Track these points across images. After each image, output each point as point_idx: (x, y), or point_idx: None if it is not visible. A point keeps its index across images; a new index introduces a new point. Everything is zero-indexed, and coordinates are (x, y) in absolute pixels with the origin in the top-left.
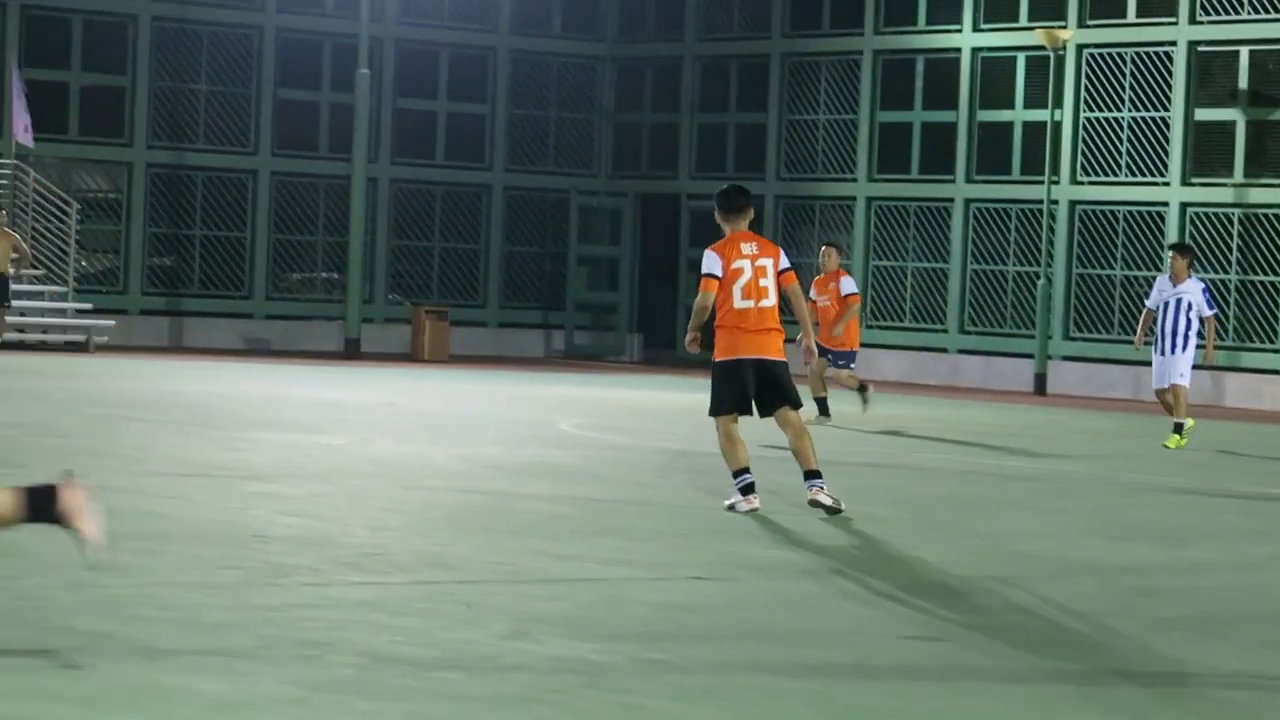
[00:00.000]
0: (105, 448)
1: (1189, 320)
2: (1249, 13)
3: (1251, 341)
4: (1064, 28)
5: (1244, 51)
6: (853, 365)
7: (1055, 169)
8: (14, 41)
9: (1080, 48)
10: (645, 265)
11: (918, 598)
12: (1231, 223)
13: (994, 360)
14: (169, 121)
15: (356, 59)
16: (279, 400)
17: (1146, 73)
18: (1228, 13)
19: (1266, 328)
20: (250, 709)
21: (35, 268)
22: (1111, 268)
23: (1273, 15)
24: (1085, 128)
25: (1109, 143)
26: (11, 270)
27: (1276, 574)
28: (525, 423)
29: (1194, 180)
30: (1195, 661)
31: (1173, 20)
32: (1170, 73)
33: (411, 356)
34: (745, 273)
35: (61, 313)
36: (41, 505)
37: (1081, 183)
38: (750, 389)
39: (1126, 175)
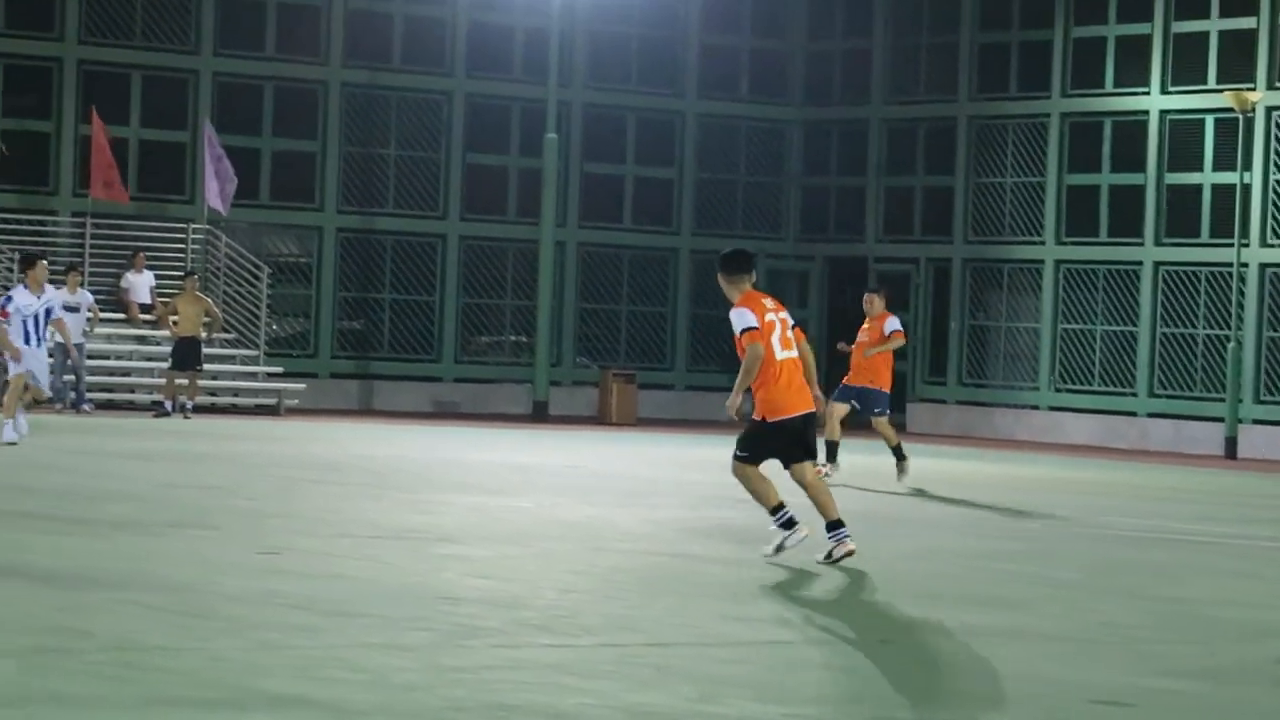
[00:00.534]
0: (296, 510)
1: None
2: None
3: None
4: (1253, 90)
5: None
6: (888, 412)
7: (1245, 232)
8: (207, 109)
9: (1269, 110)
10: (832, 327)
11: (1105, 661)
12: None
13: (1184, 424)
14: (359, 186)
15: (544, 123)
16: (467, 463)
17: None
18: None
19: None
20: None
21: (226, 331)
22: None
23: None
24: (1275, 190)
25: None
26: (203, 334)
27: None
28: (713, 485)
29: None
30: None
31: None
32: None
33: (599, 419)
34: (776, 326)
35: (252, 376)
36: None
37: (1272, 245)
38: (786, 442)
39: None
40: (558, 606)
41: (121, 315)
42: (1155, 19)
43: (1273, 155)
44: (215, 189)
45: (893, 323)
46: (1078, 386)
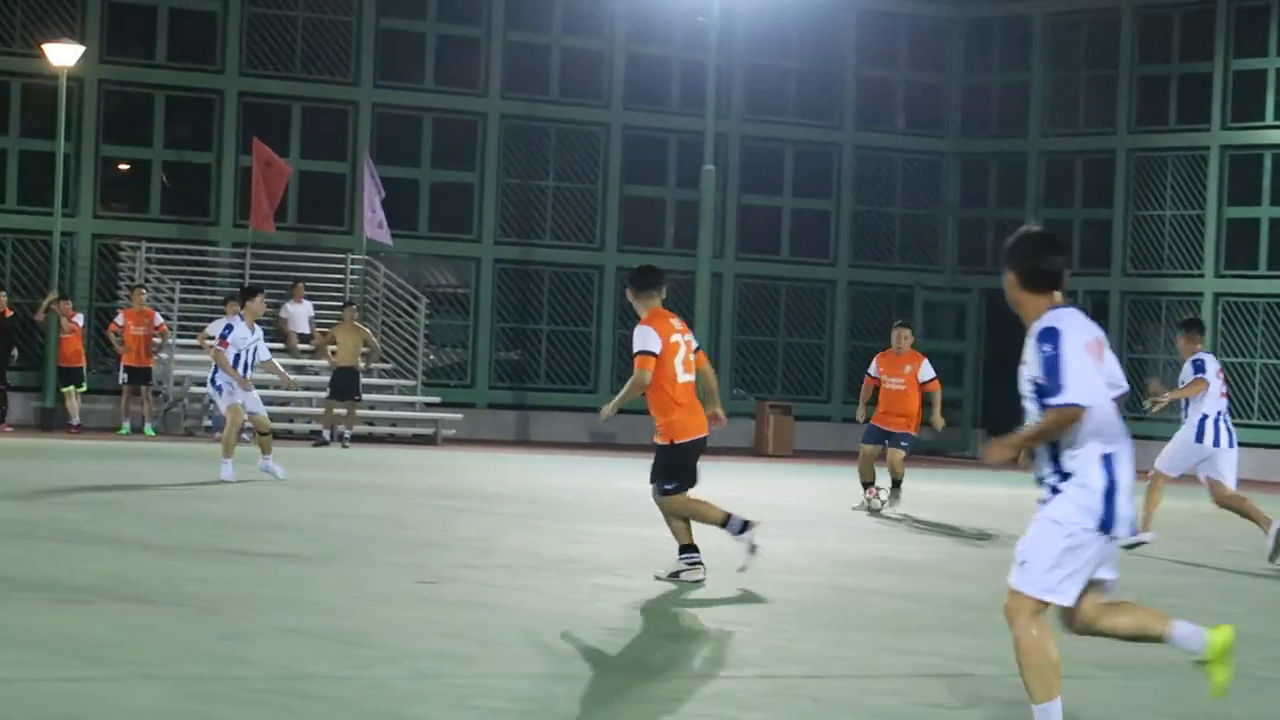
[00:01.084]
0: (452, 540)
1: None
2: None
3: None
4: None
5: None
6: (905, 445)
7: None
8: (366, 140)
9: None
10: (990, 360)
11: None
12: None
13: None
14: (517, 217)
15: (702, 155)
16: (624, 494)
17: None
18: None
19: None
20: None
21: (385, 361)
22: None
23: None
24: None
25: None
26: (361, 364)
27: None
28: (871, 517)
29: None
30: None
31: None
32: None
33: (755, 451)
34: (681, 349)
35: (410, 406)
36: None
37: None
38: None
39: None
40: (717, 637)
41: (280, 345)
42: None
43: None
44: (374, 220)
45: (928, 370)
46: (1237, 420)
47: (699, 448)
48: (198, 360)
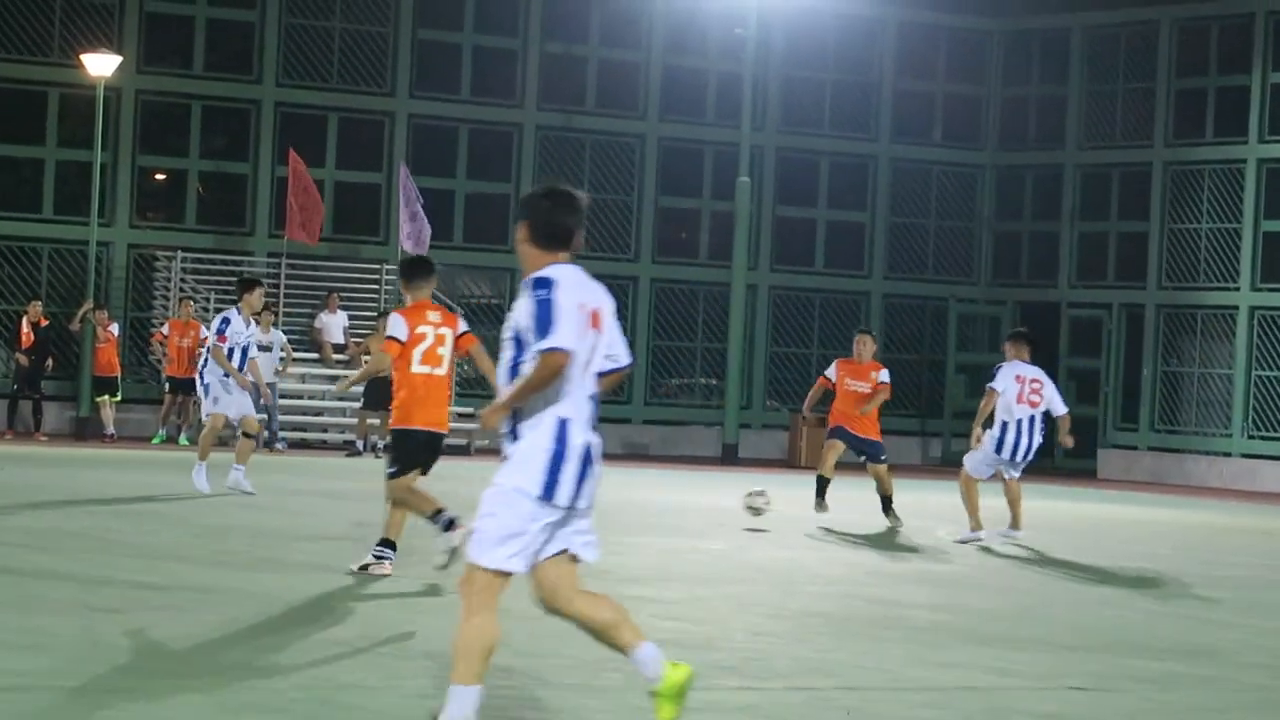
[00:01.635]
0: None
1: None
2: None
3: None
4: None
5: None
6: (884, 457)
7: None
8: (402, 151)
9: None
10: None
11: None
12: None
13: None
14: None
15: (737, 167)
16: (657, 505)
17: None
18: None
19: None
20: None
21: None
22: None
23: None
24: None
25: None
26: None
27: None
28: (903, 529)
29: None
30: None
31: None
32: None
33: (789, 463)
34: (428, 339)
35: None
36: None
37: None
38: (421, 454)
39: None
40: (749, 649)
41: (315, 355)
42: None
43: None
44: (409, 230)
45: (885, 375)
46: (1271, 434)
47: (426, 438)
48: None
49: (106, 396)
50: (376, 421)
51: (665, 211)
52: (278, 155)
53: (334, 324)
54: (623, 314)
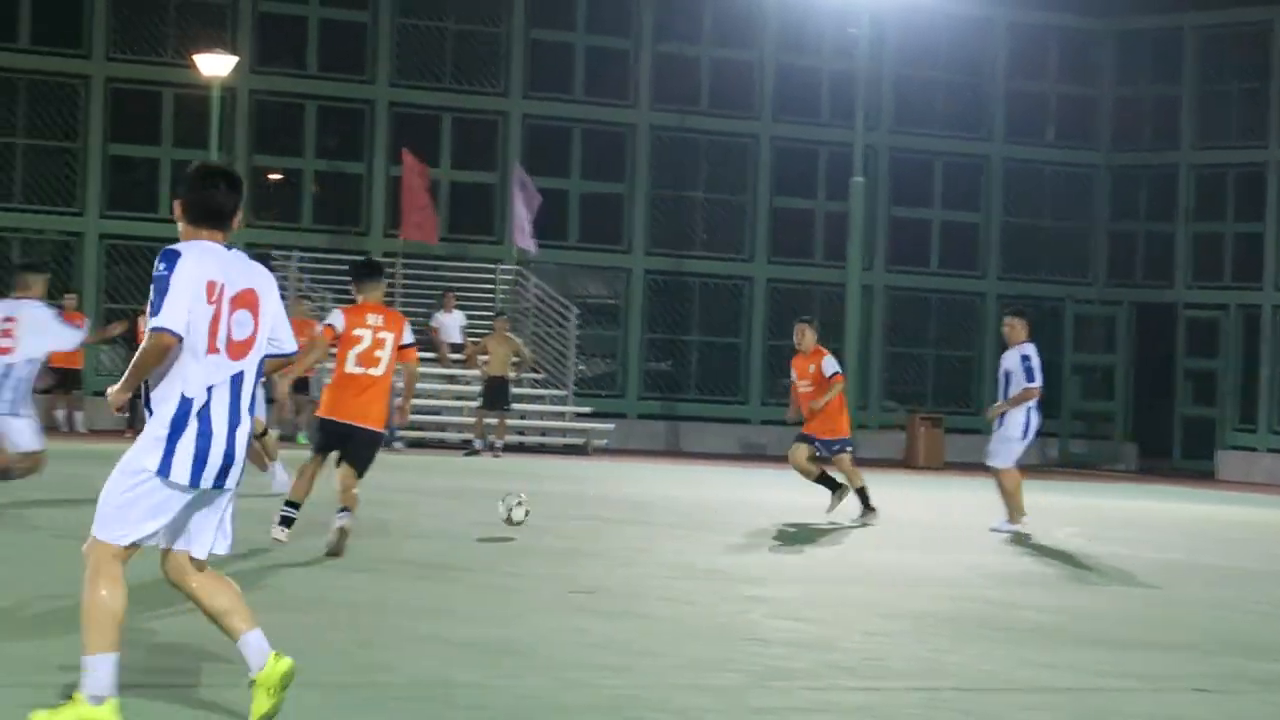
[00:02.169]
0: (603, 550)
1: None
2: None
3: None
4: None
5: None
6: (850, 448)
7: None
8: (516, 150)
9: None
10: (1140, 374)
11: None
12: None
13: None
14: (667, 228)
15: (851, 167)
16: (773, 505)
17: None
18: None
19: None
20: None
21: (536, 371)
22: None
23: None
24: None
25: None
26: (512, 374)
27: None
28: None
29: None
30: None
31: None
32: None
33: (905, 463)
34: (364, 340)
35: (561, 416)
36: None
37: None
38: (334, 443)
39: None
40: (865, 649)
41: (432, 355)
42: None
43: None
44: (525, 229)
45: (830, 364)
46: None
47: (345, 430)
48: None
49: None
50: (494, 421)
51: (780, 212)
52: (392, 155)
53: (450, 324)
54: (737, 315)
